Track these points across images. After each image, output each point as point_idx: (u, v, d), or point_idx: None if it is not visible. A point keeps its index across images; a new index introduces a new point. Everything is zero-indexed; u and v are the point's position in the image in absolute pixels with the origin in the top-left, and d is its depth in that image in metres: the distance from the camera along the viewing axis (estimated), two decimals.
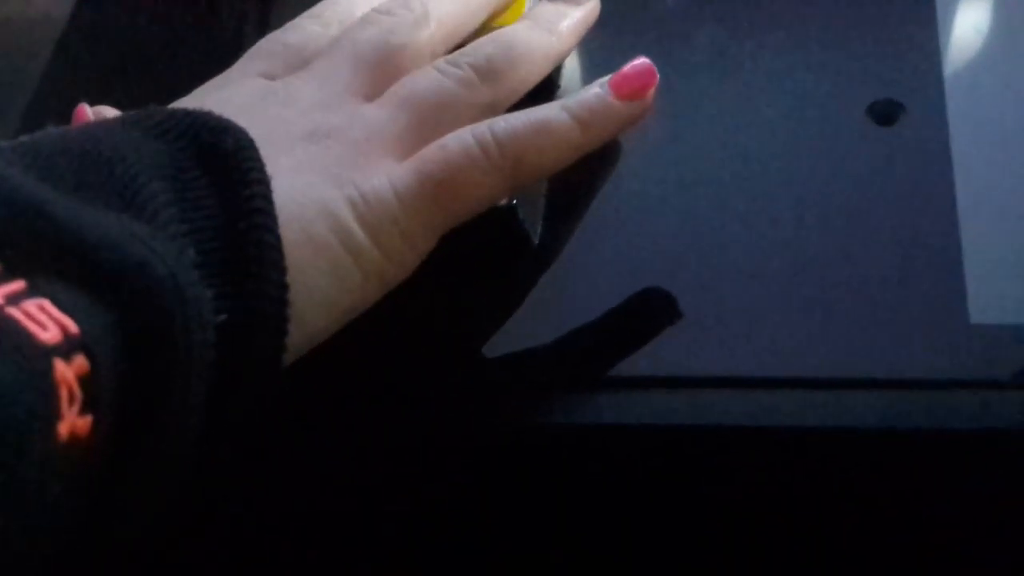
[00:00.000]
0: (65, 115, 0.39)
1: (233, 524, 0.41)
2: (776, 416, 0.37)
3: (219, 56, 0.41)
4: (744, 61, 0.45)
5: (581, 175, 0.40)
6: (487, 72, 0.38)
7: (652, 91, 0.38)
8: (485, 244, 0.39)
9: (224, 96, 0.36)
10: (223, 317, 0.28)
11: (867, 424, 0.36)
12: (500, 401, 0.38)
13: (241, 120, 0.32)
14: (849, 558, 0.40)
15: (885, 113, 0.43)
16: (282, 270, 0.30)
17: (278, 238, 0.30)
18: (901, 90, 0.43)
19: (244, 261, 0.29)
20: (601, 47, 0.45)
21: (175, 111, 0.32)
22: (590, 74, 0.44)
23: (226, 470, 0.32)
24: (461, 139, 0.35)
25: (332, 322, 0.33)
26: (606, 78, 0.38)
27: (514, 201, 0.39)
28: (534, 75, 0.39)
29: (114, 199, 0.28)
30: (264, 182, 0.31)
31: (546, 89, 0.41)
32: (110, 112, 0.39)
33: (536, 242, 0.41)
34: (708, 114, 0.44)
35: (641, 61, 0.38)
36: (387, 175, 0.34)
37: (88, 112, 0.39)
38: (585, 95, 0.38)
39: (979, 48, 0.45)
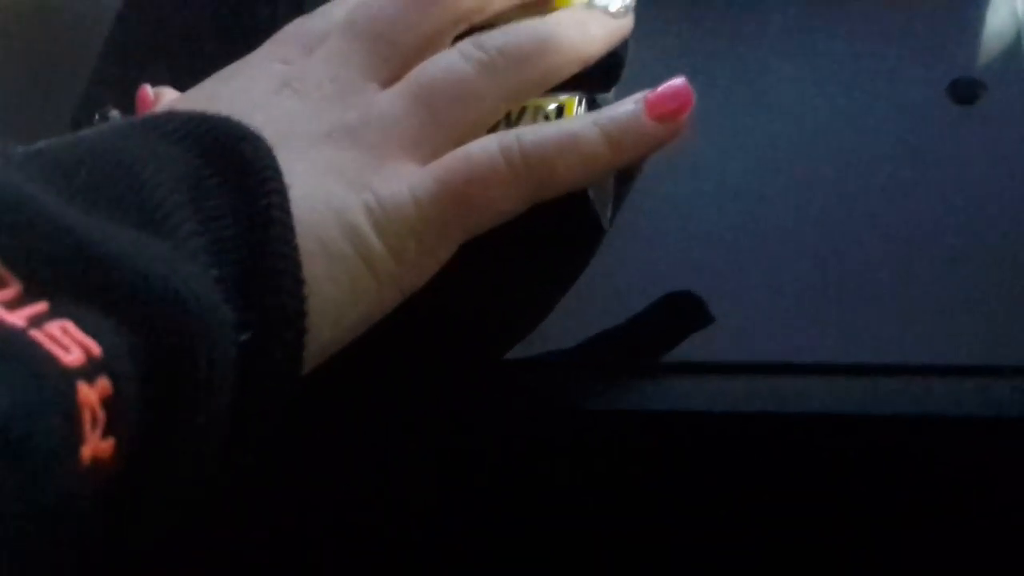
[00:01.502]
0: (125, 95, 0.39)
1: (252, 521, 0.41)
2: (851, 403, 0.36)
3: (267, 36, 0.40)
4: (822, 38, 0.44)
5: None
6: (513, 59, 0.36)
7: (686, 115, 0.35)
8: (556, 227, 0.39)
9: (240, 87, 0.35)
10: (247, 335, 0.28)
11: (944, 411, 0.35)
12: (550, 383, 0.38)
13: (256, 117, 0.31)
14: (890, 546, 0.39)
15: (966, 92, 0.42)
16: (300, 281, 0.29)
17: (296, 249, 0.30)
18: (982, 69, 0.42)
19: (262, 274, 0.29)
20: (667, 24, 0.44)
21: (192, 116, 0.31)
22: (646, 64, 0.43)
23: (246, 480, 0.31)
24: (487, 149, 0.34)
25: (347, 331, 0.32)
26: (642, 94, 0.36)
27: (588, 189, 0.38)
28: (561, 70, 0.37)
29: (133, 213, 0.28)
30: (282, 192, 0.30)
31: (613, 69, 0.40)
32: (171, 93, 0.38)
33: (607, 228, 0.40)
34: (784, 92, 0.43)
35: (679, 82, 0.35)
36: (407, 181, 0.33)
37: (150, 93, 0.38)
38: (618, 111, 0.35)
39: None
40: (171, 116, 0.31)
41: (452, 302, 0.37)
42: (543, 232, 0.38)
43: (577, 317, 0.38)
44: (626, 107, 0.35)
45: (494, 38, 0.36)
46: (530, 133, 0.34)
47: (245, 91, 0.35)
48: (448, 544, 0.41)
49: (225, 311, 0.27)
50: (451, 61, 0.35)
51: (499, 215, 0.34)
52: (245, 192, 0.29)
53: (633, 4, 0.39)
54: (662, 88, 0.35)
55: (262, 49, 0.38)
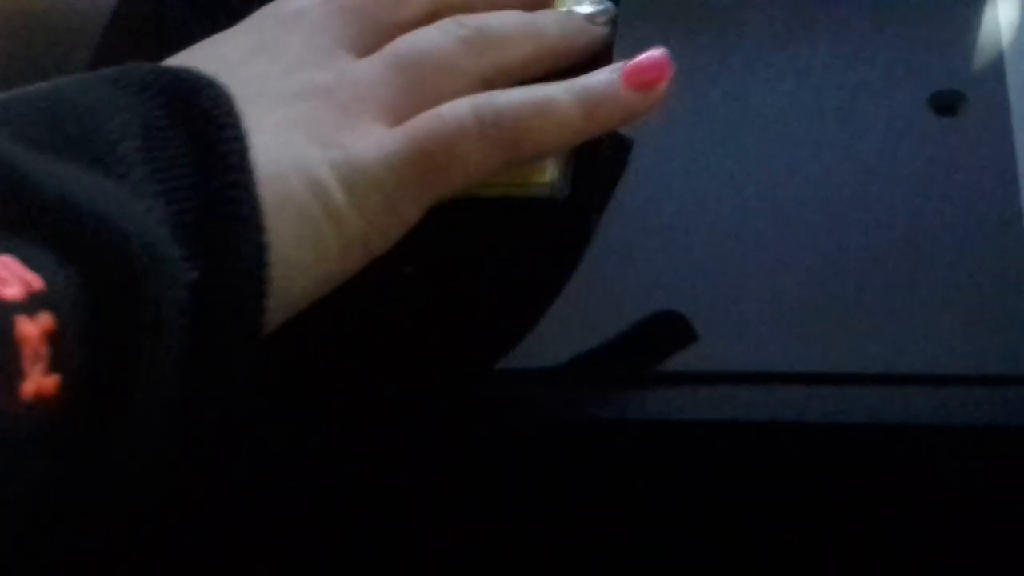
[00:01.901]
0: None
1: (237, 513, 0.41)
2: (834, 413, 0.36)
3: None
4: (803, 48, 0.44)
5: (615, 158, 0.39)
6: (493, 39, 0.36)
7: (664, 84, 0.36)
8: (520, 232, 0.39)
9: (213, 52, 0.35)
10: (195, 274, 0.28)
11: (939, 421, 0.35)
12: (537, 395, 0.38)
13: (225, 77, 0.31)
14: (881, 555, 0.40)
15: (947, 103, 0.42)
16: (260, 230, 0.29)
17: (255, 197, 0.29)
18: (963, 80, 0.42)
19: (219, 220, 0.28)
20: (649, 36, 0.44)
21: (155, 67, 0.31)
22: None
23: (212, 444, 0.31)
24: (458, 110, 0.34)
25: (310, 290, 0.32)
26: (619, 64, 0.36)
27: (556, 191, 0.38)
28: (538, 61, 0.37)
29: (86, 157, 0.27)
30: (240, 139, 0.30)
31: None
32: None
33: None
34: (764, 103, 0.43)
35: (658, 51, 0.36)
36: (376, 139, 0.33)
37: None
38: (593, 79, 0.35)
39: None
40: (130, 69, 0.31)
41: (439, 315, 0.37)
42: (518, 239, 0.38)
43: (566, 328, 0.38)
44: (602, 75, 0.36)
45: (476, 18, 0.36)
46: (503, 95, 0.34)
47: (218, 57, 0.34)
48: (434, 556, 0.41)
49: (173, 250, 0.27)
50: (431, 34, 0.36)
51: (468, 177, 0.34)
52: (202, 140, 0.29)
53: (612, 15, 0.40)
54: (640, 57, 0.36)
55: (239, 24, 0.38)
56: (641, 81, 0.35)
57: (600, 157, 0.40)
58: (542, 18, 0.38)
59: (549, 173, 0.37)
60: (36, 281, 0.24)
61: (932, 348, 0.36)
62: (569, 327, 0.38)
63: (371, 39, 0.36)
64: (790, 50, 0.45)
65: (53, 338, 0.24)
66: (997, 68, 0.43)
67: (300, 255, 0.31)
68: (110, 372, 0.26)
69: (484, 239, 0.38)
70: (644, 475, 0.39)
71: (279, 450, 0.38)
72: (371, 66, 0.35)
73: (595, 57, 0.39)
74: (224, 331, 0.29)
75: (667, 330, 0.38)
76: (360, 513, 0.41)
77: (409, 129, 0.33)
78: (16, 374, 0.23)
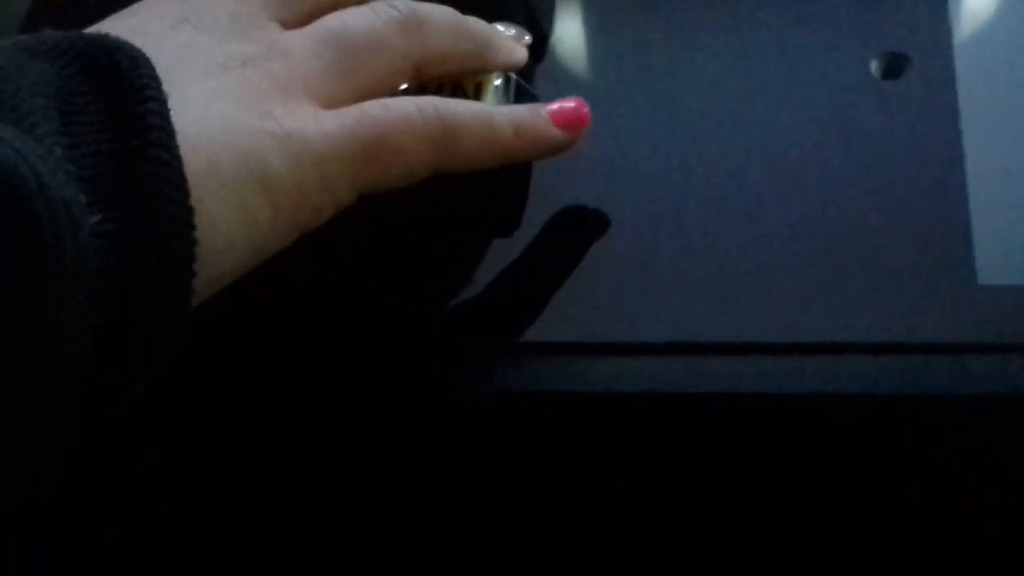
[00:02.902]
0: None
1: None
2: (778, 382, 0.36)
3: None
4: (746, 12, 0.44)
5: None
6: (426, 23, 0.36)
7: (583, 130, 0.38)
8: (480, 198, 0.38)
9: (133, 23, 0.34)
10: (97, 217, 0.27)
11: (875, 390, 0.35)
12: (481, 364, 0.37)
13: (148, 49, 0.30)
14: (851, 525, 0.40)
15: (891, 66, 0.41)
16: (183, 191, 0.28)
17: (177, 157, 0.28)
18: (908, 43, 0.42)
19: (138, 180, 0.27)
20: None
21: (69, 34, 0.30)
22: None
23: (142, 422, 0.30)
24: (403, 104, 0.34)
25: (239, 262, 0.31)
26: (544, 104, 0.38)
27: None
28: (467, 55, 0.37)
29: None
30: (160, 100, 0.29)
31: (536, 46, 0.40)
32: None
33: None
34: (709, 69, 0.43)
35: (578, 103, 0.38)
36: (314, 117, 0.32)
37: None
38: (524, 109, 0.37)
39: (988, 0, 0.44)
40: (44, 36, 0.30)
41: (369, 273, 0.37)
42: (468, 201, 0.38)
43: (534, 297, 0.39)
44: (532, 108, 0.37)
45: (407, 2, 0.36)
46: (446, 102, 0.35)
47: (139, 27, 0.33)
48: (408, 532, 0.41)
49: (71, 191, 0.26)
50: (363, 13, 0.35)
51: (402, 171, 0.34)
52: (120, 101, 0.28)
53: (529, 40, 0.41)
54: (564, 103, 0.38)
55: None
56: (563, 121, 0.37)
57: None
58: (471, 19, 0.38)
59: None
60: None
61: (870, 316, 0.36)
62: (537, 296, 0.38)
63: (299, 14, 0.35)
64: (733, 15, 0.44)
65: None
66: (942, 30, 0.42)
67: (230, 224, 0.30)
68: (11, 321, 0.25)
69: (443, 209, 0.38)
70: (615, 447, 0.38)
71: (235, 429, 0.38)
72: (301, 40, 0.34)
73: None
74: (147, 298, 0.28)
75: (634, 302, 0.38)
76: (325, 489, 0.41)
77: (354, 113, 0.33)
78: None
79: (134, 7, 0.35)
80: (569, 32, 0.44)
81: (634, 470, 0.39)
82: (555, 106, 0.37)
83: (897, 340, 0.36)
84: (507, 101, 0.38)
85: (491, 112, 0.36)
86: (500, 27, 0.40)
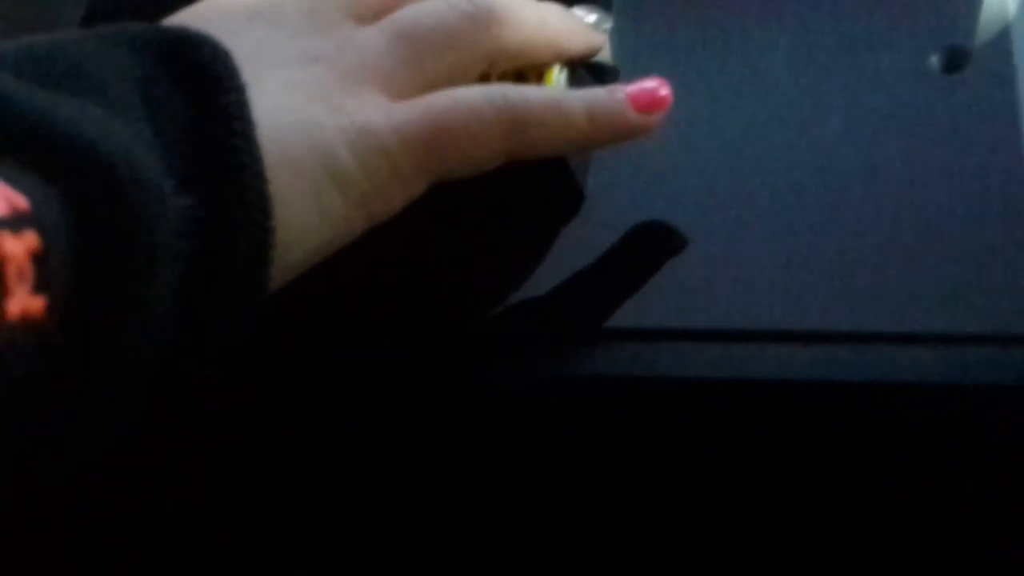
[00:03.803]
0: None
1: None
2: (835, 370, 0.36)
3: None
4: (806, 6, 0.44)
5: None
6: (499, 18, 0.36)
7: (661, 112, 0.36)
8: (535, 193, 0.39)
9: (209, 17, 0.34)
10: (187, 201, 0.27)
11: (937, 379, 0.36)
12: (532, 351, 0.38)
13: (224, 41, 0.30)
14: (888, 519, 0.40)
15: (953, 61, 0.42)
16: (262, 179, 0.29)
17: (257, 148, 0.29)
18: (969, 37, 0.42)
19: (219, 169, 0.28)
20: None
21: (148, 26, 0.30)
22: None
23: (210, 403, 0.31)
24: (472, 93, 0.34)
25: (311, 253, 0.32)
26: (623, 85, 0.37)
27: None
28: (540, 48, 0.37)
29: (78, 90, 0.27)
30: (240, 90, 0.29)
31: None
32: None
33: (585, 193, 0.40)
34: (770, 62, 0.43)
35: (659, 81, 0.37)
36: (384, 109, 0.33)
37: None
38: (600, 92, 0.36)
39: None
40: (125, 27, 0.30)
41: (434, 271, 0.37)
42: (524, 198, 0.38)
43: (560, 286, 0.39)
44: (608, 91, 0.36)
45: None
46: (517, 89, 0.35)
47: (215, 21, 0.33)
48: (431, 518, 0.42)
49: (162, 176, 0.26)
50: (436, 7, 0.35)
51: (474, 161, 0.34)
52: (200, 91, 0.29)
53: (610, 26, 0.40)
54: (644, 83, 0.36)
55: None
56: (642, 104, 0.36)
57: None
58: (548, 9, 0.38)
59: None
60: (21, 201, 0.23)
61: (936, 307, 0.36)
62: (560, 284, 0.39)
63: (373, 9, 0.35)
64: (794, 9, 0.44)
65: (39, 258, 0.23)
66: (1003, 24, 0.42)
67: (303, 216, 0.31)
68: (100, 298, 0.25)
69: (474, 196, 0.39)
70: (638, 432, 0.39)
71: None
72: (374, 35, 0.34)
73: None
74: (225, 281, 0.28)
75: (664, 285, 0.38)
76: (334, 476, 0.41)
77: (423, 104, 0.33)
78: (2, 291, 0.23)
79: (208, 2, 0.35)
80: (629, 25, 0.44)
81: (674, 457, 0.40)
82: (634, 88, 0.36)
83: (957, 331, 0.36)
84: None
85: (563, 97, 0.35)
86: (579, 11, 0.39)
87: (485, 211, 0.39)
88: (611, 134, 0.36)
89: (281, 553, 0.43)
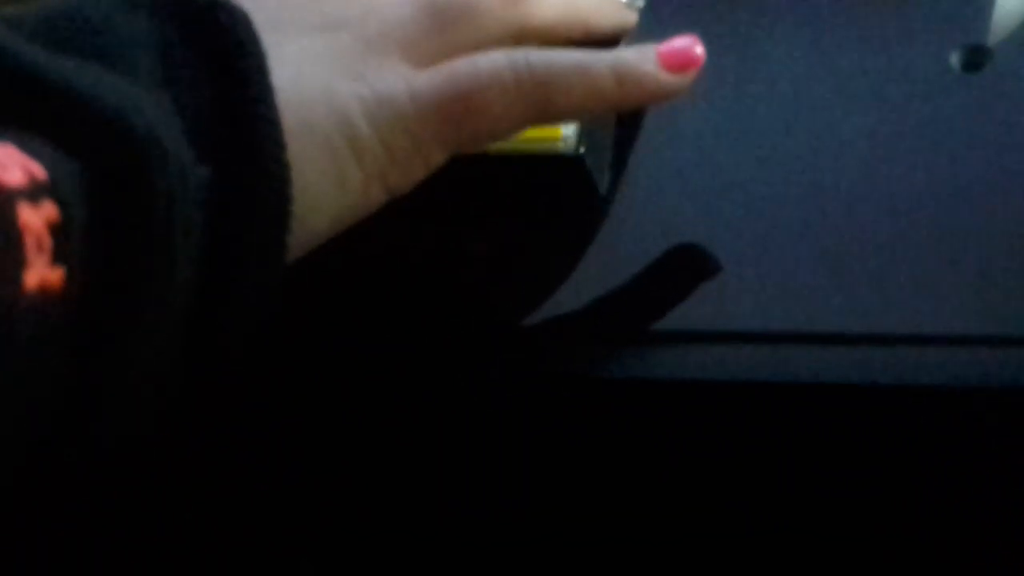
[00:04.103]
0: None
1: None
2: (853, 373, 0.36)
3: None
4: (826, 5, 0.44)
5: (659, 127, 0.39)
6: None
7: (695, 70, 0.35)
8: (553, 192, 0.38)
9: None
10: (207, 171, 0.27)
11: (961, 381, 0.35)
12: (549, 351, 0.38)
13: (245, 7, 0.30)
14: (904, 520, 0.40)
15: (973, 59, 0.41)
16: (281, 146, 0.28)
17: (276, 113, 0.28)
18: (989, 36, 0.42)
19: (238, 134, 0.28)
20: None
21: None
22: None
23: (231, 380, 0.30)
24: (494, 59, 0.33)
25: (329, 222, 0.31)
26: (653, 44, 0.35)
27: (582, 151, 0.38)
28: (568, 25, 0.37)
29: (95, 56, 0.27)
30: (260, 56, 0.29)
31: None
32: None
33: (603, 192, 0.40)
34: (790, 60, 0.43)
35: (692, 39, 0.35)
36: (404, 78, 0.32)
37: None
38: (629, 52, 0.35)
39: None
40: None
41: (458, 273, 0.37)
42: (541, 197, 0.38)
43: (584, 289, 0.38)
44: (638, 50, 0.35)
45: None
46: (539, 53, 0.34)
47: None
48: (449, 511, 0.42)
49: (182, 146, 0.26)
50: None
51: (496, 129, 0.33)
52: (220, 57, 0.28)
53: (643, 4, 0.39)
54: (675, 41, 0.35)
55: None
56: (674, 63, 0.35)
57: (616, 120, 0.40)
58: None
59: (564, 130, 0.37)
60: (39, 170, 0.23)
61: (956, 308, 0.36)
62: (580, 286, 0.38)
63: None
64: (813, 8, 0.44)
65: (57, 229, 0.23)
66: (1022, 23, 0.42)
67: (321, 185, 0.30)
68: (120, 269, 0.25)
69: (495, 196, 0.38)
70: (652, 433, 0.39)
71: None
72: (400, 4, 0.34)
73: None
74: (246, 250, 0.28)
75: (684, 290, 0.38)
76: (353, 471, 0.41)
77: (443, 71, 0.33)
78: (19, 262, 0.22)
79: None
80: (650, 27, 0.44)
81: (700, 457, 0.39)
82: (664, 47, 0.35)
83: (979, 333, 0.36)
84: None
85: (590, 60, 0.34)
86: None
87: (508, 210, 0.39)
88: (642, 96, 0.35)
89: (280, 550, 0.42)
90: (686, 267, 0.38)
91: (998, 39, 0.42)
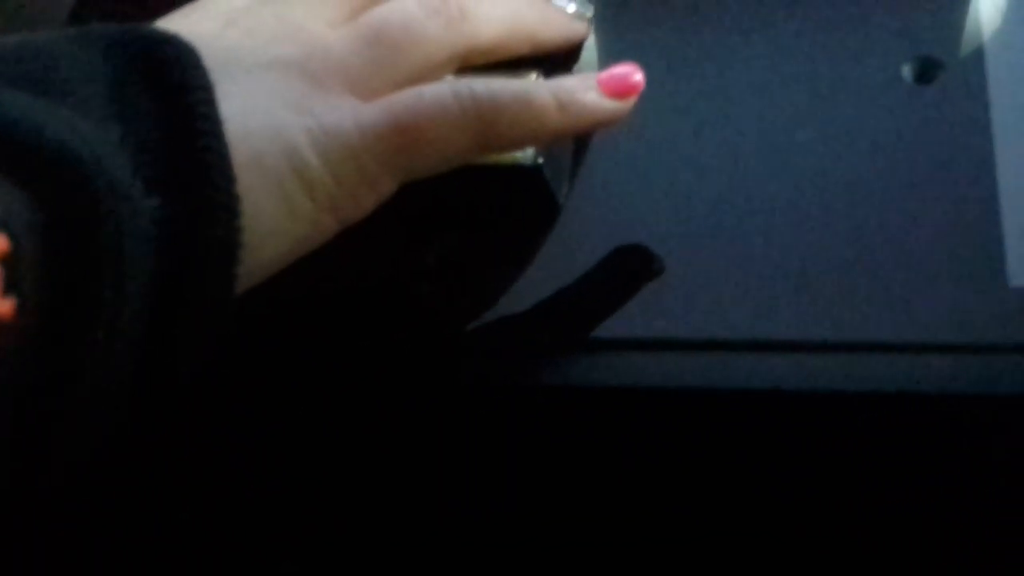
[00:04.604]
0: None
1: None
2: (808, 380, 0.37)
3: None
4: (779, 17, 0.44)
5: (611, 135, 0.39)
6: (469, 14, 0.36)
7: (634, 97, 0.36)
8: (511, 203, 0.39)
9: (183, 24, 0.34)
10: (156, 202, 0.27)
11: (906, 388, 0.36)
12: (507, 360, 0.38)
13: (197, 45, 0.30)
14: (872, 521, 0.40)
15: (924, 71, 0.42)
16: (230, 178, 0.29)
17: (224, 146, 0.29)
18: (940, 48, 0.42)
19: (187, 167, 0.28)
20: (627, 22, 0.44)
21: (118, 27, 0.30)
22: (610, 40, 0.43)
23: (183, 408, 0.31)
24: (438, 90, 0.34)
25: (281, 253, 0.32)
26: (595, 72, 0.36)
27: (540, 160, 0.38)
28: (513, 42, 0.37)
29: (45, 91, 0.27)
30: (207, 89, 0.29)
31: (564, 64, 0.40)
32: None
33: (562, 203, 0.40)
34: (742, 72, 0.43)
35: (631, 67, 0.36)
36: (351, 110, 0.33)
37: None
38: (572, 81, 0.36)
39: (1017, 2, 0.44)
40: (94, 28, 0.30)
41: (410, 278, 0.37)
42: (500, 207, 0.38)
43: (528, 295, 0.39)
44: (579, 78, 0.36)
45: None
46: (483, 82, 0.34)
47: (189, 28, 0.33)
48: (407, 518, 0.42)
49: (130, 178, 0.27)
50: (405, 6, 0.35)
51: (443, 158, 0.34)
52: (168, 92, 0.29)
53: (591, 14, 0.40)
54: (616, 68, 0.36)
55: None
56: (615, 89, 0.36)
57: None
58: (524, 6, 0.38)
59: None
60: None
61: (904, 316, 0.37)
62: (526, 293, 0.39)
63: (345, 12, 0.36)
64: (765, 20, 0.44)
65: (8, 260, 0.24)
66: (974, 35, 0.43)
67: (272, 218, 0.31)
68: (71, 300, 0.25)
69: (451, 207, 0.39)
70: (621, 441, 0.39)
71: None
72: (343, 37, 0.35)
73: (566, 55, 0.39)
74: (199, 284, 0.28)
75: (641, 296, 0.39)
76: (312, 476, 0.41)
77: (388, 103, 0.33)
78: None
79: (186, 9, 0.36)
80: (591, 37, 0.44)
81: (653, 465, 0.40)
82: (604, 75, 0.36)
83: (930, 341, 0.36)
84: None
85: (532, 88, 0.35)
86: (560, 1, 0.39)
87: (464, 221, 0.39)
88: (584, 123, 0.36)
89: (266, 551, 0.43)
90: (629, 269, 0.39)
91: (955, 51, 0.42)
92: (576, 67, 0.40)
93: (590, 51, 0.42)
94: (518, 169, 0.37)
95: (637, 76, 0.36)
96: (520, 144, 0.36)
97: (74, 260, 0.25)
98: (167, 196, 0.28)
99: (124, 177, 0.27)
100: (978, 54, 0.42)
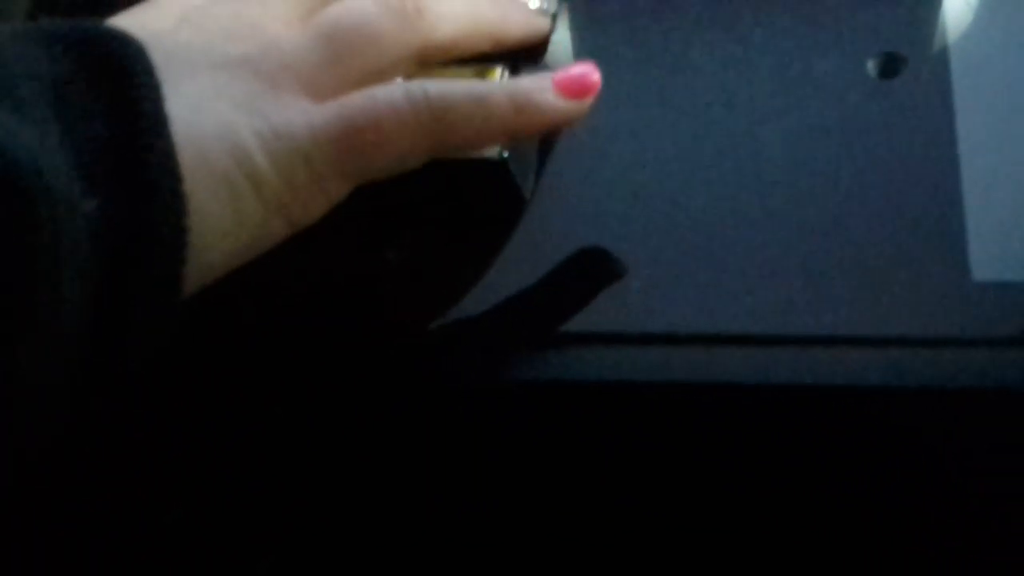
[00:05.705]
0: None
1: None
2: (775, 373, 0.37)
3: None
4: (744, 11, 0.44)
5: (577, 130, 0.39)
6: (426, 13, 0.35)
7: (591, 97, 0.36)
8: (476, 197, 0.39)
9: (135, 21, 0.34)
10: (93, 203, 0.27)
11: (869, 382, 0.36)
12: (483, 355, 0.38)
13: (148, 43, 0.30)
14: (845, 517, 0.40)
15: (888, 66, 0.42)
16: (175, 177, 0.28)
17: (171, 144, 0.29)
18: (904, 43, 0.42)
19: (131, 166, 0.28)
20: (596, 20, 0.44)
21: (65, 22, 0.30)
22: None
23: (132, 411, 0.30)
24: (391, 91, 0.33)
25: (230, 255, 0.31)
26: (551, 72, 0.36)
27: (505, 155, 0.38)
28: (471, 41, 0.37)
29: None
30: (153, 87, 0.29)
31: (530, 59, 0.40)
32: None
33: (528, 197, 0.40)
34: (705, 68, 0.43)
35: (588, 67, 0.36)
36: (303, 111, 0.32)
37: None
38: (527, 81, 0.36)
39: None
40: (40, 24, 0.30)
41: (374, 275, 0.37)
42: (464, 201, 0.38)
43: (491, 293, 0.39)
44: (535, 78, 0.36)
45: None
46: (437, 84, 0.34)
47: (141, 24, 0.33)
48: (377, 520, 0.42)
49: (70, 182, 0.26)
50: (361, 4, 0.35)
51: (396, 160, 0.34)
52: (113, 89, 0.28)
53: (555, 10, 0.40)
54: (572, 68, 0.36)
55: None
56: (571, 90, 0.36)
57: None
58: (483, 4, 0.37)
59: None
60: None
61: (867, 310, 0.37)
62: (488, 291, 0.39)
63: (302, 10, 0.35)
64: (731, 12, 0.44)
65: None
66: (938, 30, 0.43)
67: (220, 218, 0.31)
68: (6, 303, 0.25)
69: (415, 202, 0.38)
70: (582, 437, 0.39)
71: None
72: (297, 37, 0.34)
73: (532, 51, 0.39)
74: (140, 284, 0.28)
75: (610, 291, 0.39)
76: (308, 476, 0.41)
77: (339, 106, 0.33)
78: None
79: (142, 5, 0.35)
80: (564, 31, 0.44)
81: (640, 460, 0.40)
82: (560, 75, 0.36)
83: (893, 335, 0.37)
84: None
85: (486, 89, 0.35)
86: None
87: (427, 216, 0.39)
88: (540, 123, 0.36)
89: (242, 549, 0.43)
90: (591, 271, 0.39)
91: (919, 47, 0.42)
92: (546, 62, 0.40)
93: (564, 45, 0.42)
94: (483, 162, 0.37)
95: (594, 76, 0.36)
96: (474, 145, 0.35)
97: (9, 265, 0.25)
98: (109, 196, 0.27)
99: (61, 180, 0.26)
100: (942, 49, 0.42)
